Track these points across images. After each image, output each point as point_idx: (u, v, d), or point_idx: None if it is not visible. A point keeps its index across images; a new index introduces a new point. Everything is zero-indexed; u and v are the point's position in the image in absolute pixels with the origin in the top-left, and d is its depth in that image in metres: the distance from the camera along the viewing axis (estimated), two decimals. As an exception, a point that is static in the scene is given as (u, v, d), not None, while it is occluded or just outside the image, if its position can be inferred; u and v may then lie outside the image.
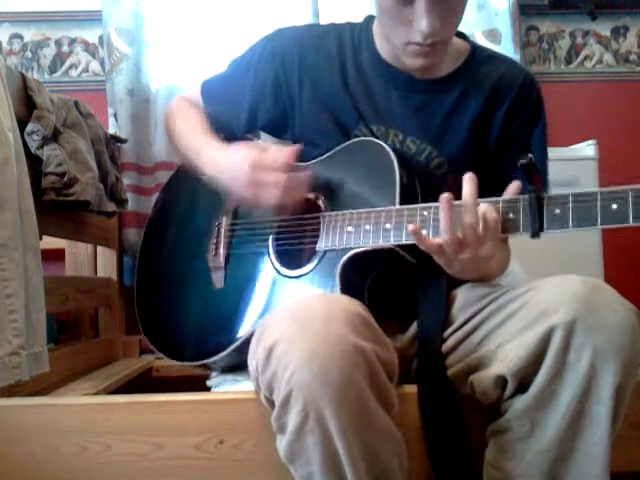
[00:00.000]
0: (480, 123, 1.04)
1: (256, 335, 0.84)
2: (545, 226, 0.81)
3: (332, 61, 1.08)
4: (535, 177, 0.81)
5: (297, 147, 1.01)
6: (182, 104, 1.22)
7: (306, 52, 1.09)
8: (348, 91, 1.06)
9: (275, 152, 0.98)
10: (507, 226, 0.84)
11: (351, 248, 0.95)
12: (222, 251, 1.10)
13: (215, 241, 1.12)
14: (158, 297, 1.19)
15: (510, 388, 0.82)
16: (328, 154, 1.06)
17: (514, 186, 0.86)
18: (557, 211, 0.80)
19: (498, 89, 1.05)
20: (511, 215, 0.84)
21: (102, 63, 2.01)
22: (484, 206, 0.84)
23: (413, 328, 0.99)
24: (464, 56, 1.07)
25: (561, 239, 1.67)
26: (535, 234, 0.82)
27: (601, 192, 0.78)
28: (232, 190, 1.01)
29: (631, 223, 0.75)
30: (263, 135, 1.26)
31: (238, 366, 1.05)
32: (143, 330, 1.17)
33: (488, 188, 0.89)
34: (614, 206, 0.77)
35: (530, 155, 0.80)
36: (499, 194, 0.87)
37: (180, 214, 1.20)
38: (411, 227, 0.86)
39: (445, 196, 0.85)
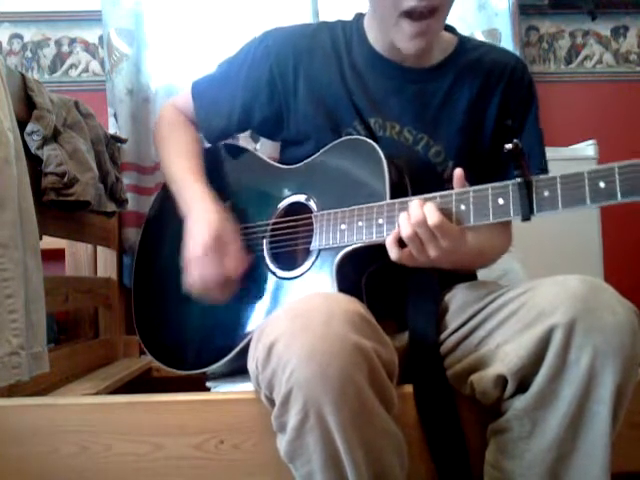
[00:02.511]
0: (475, 110, 1.06)
1: (256, 335, 0.84)
2: (535, 209, 0.82)
3: (327, 57, 1.08)
4: (522, 162, 0.82)
5: (245, 263, 1.03)
6: (172, 118, 1.21)
7: (300, 49, 1.09)
8: (345, 86, 1.07)
9: (233, 250, 1.02)
10: (498, 211, 0.84)
11: (346, 245, 0.96)
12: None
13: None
14: (155, 305, 1.18)
15: (510, 388, 0.82)
16: (317, 154, 1.06)
17: (457, 174, 0.88)
18: (546, 193, 0.81)
19: (490, 75, 1.06)
20: (501, 201, 0.84)
21: (102, 63, 2.01)
22: (426, 207, 0.86)
23: (412, 327, 0.99)
24: (453, 46, 1.09)
25: (561, 237, 1.68)
26: (525, 217, 0.82)
27: (588, 172, 0.78)
28: (186, 246, 1.03)
29: (620, 199, 0.75)
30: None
31: (237, 372, 1.05)
32: (141, 339, 1.17)
33: (487, 175, 0.89)
34: (602, 184, 0.77)
35: (515, 140, 0.81)
36: (499, 181, 0.87)
37: (176, 218, 1.20)
38: (390, 237, 0.89)
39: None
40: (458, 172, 0.88)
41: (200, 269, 1.01)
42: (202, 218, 1.03)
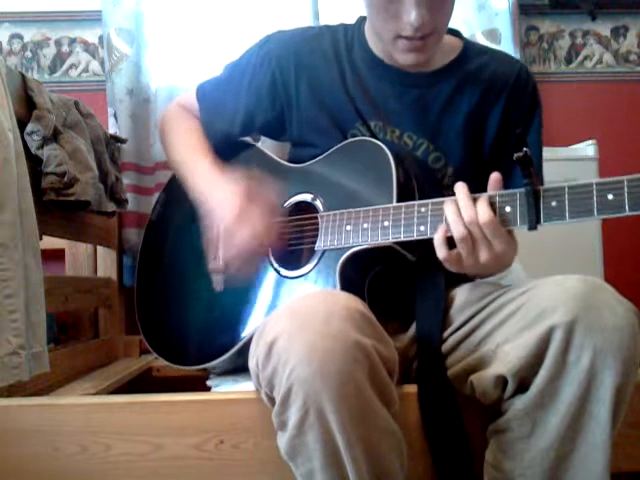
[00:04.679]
0: (476, 117, 1.05)
1: (257, 333, 0.84)
2: (542, 219, 0.81)
3: (329, 61, 1.08)
4: (531, 170, 0.81)
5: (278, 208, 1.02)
6: (178, 113, 1.21)
7: (302, 53, 1.09)
8: (346, 89, 1.06)
9: (262, 196, 0.99)
10: (504, 219, 0.84)
11: (350, 247, 0.95)
12: (221, 254, 1.10)
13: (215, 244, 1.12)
14: (158, 301, 1.18)
15: (510, 388, 0.82)
16: (325, 154, 1.06)
17: (494, 178, 0.87)
18: (553, 203, 0.81)
19: (493, 83, 1.05)
20: (508, 209, 0.84)
21: (102, 63, 2.01)
22: (479, 204, 0.84)
23: (414, 328, 0.99)
24: (457, 51, 1.08)
25: (561, 237, 1.68)
26: (532, 227, 0.82)
27: (597, 183, 0.78)
28: (217, 220, 1.01)
29: (628, 212, 0.75)
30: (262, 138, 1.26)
31: (239, 369, 1.05)
32: (144, 335, 1.17)
33: (486, 182, 0.89)
34: (610, 196, 0.77)
35: (525, 149, 0.80)
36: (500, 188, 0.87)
37: (180, 216, 1.20)
38: (439, 235, 0.86)
39: (459, 185, 0.87)
40: (496, 176, 0.87)
41: (238, 234, 0.97)
42: (224, 188, 1.01)
